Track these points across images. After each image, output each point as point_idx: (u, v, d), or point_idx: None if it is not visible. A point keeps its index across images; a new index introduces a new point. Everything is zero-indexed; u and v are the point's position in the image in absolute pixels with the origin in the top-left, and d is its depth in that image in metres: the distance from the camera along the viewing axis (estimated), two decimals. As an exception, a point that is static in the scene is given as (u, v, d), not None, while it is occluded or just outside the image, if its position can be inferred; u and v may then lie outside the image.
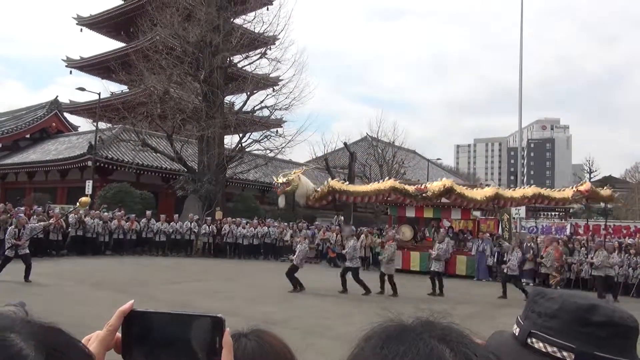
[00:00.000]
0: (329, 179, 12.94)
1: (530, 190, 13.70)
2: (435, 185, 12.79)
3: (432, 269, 13.37)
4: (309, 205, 12.44)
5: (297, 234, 21.94)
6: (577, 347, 0.82)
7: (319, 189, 12.25)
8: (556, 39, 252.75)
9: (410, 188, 12.91)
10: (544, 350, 0.84)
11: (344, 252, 13.27)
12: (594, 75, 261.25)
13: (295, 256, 12.51)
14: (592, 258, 14.62)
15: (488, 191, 13.44)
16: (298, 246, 12.80)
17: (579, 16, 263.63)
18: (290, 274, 12.15)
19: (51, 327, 0.57)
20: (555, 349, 0.83)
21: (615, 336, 0.82)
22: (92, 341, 0.68)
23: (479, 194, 13.37)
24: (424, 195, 12.58)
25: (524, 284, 16.50)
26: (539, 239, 15.25)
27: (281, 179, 11.80)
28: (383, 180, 14.79)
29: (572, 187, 14.36)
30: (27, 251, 11.79)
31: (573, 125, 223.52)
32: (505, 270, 13.10)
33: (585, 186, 13.82)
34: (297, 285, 12.16)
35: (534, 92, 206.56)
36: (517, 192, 13.61)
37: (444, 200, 17.10)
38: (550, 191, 14.32)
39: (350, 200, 13.05)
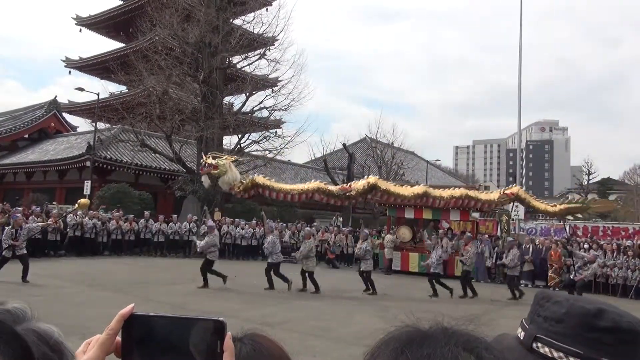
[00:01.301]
0: (255, 174, 12.80)
1: (458, 192, 13.92)
2: (360, 184, 12.68)
3: (360, 269, 13.32)
4: (233, 194, 12.37)
5: (295, 235, 22.00)
6: (584, 353, 0.80)
7: (244, 181, 12.13)
8: (557, 40, 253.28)
9: (334, 188, 12.80)
10: (549, 355, 0.82)
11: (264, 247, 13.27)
12: (595, 77, 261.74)
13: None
14: (505, 257, 14.74)
15: (416, 189, 13.49)
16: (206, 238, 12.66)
17: (580, 18, 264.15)
18: (205, 269, 12.18)
19: None
20: (561, 354, 0.81)
21: (622, 342, 0.80)
22: (92, 345, 0.68)
23: (406, 190, 13.34)
24: (347, 194, 12.45)
25: (522, 285, 16.60)
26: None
27: (210, 160, 11.52)
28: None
29: (501, 190, 14.60)
30: (25, 251, 11.76)
31: (573, 127, 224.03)
32: (429, 269, 13.23)
33: (512, 190, 14.16)
34: (221, 278, 12.25)
35: (534, 93, 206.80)
36: (446, 192, 13.69)
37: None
38: (478, 193, 14.50)
39: (273, 197, 12.96)
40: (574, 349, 0.81)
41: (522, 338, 0.88)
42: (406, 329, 0.64)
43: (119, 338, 0.67)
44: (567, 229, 21.92)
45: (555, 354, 0.82)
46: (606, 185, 52.52)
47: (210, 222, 14.29)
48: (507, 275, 13.61)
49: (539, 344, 0.84)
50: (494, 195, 14.05)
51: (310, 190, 12.51)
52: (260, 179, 12.27)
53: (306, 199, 13.55)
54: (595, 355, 0.79)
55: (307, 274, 12.64)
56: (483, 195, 14.03)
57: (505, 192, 14.02)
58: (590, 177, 53.18)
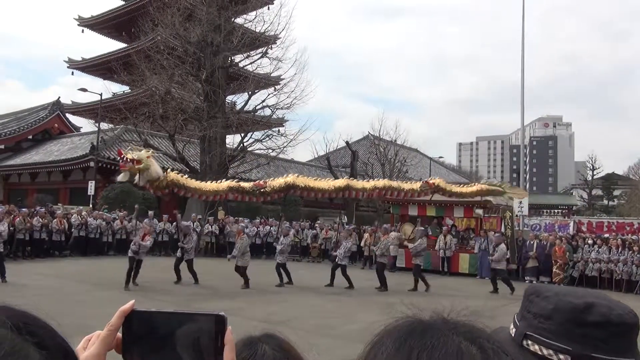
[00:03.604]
0: (169, 170, 12.14)
1: (381, 182, 14.11)
2: (276, 181, 12.57)
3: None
4: (147, 189, 11.74)
5: (299, 233, 22.01)
6: (573, 349, 0.79)
7: (162, 177, 11.61)
8: (562, 35, 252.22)
9: (248, 185, 12.57)
10: (539, 353, 0.82)
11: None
12: (600, 72, 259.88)
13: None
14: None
15: (338, 182, 13.45)
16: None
17: (586, 13, 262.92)
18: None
19: (22, 310, 0.57)
20: (551, 351, 0.80)
21: (613, 336, 0.78)
22: (92, 341, 0.68)
23: (327, 184, 13.23)
24: (262, 191, 12.33)
25: (527, 281, 16.55)
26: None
27: (130, 154, 10.72)
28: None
29: (423, 180, 14.80)
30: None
31: (578, 123, 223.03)
32: (336, 260, 13.48)
33: (434, 180, 14.47)
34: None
35: (538, 89, 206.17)
36: (369, 184, 13.81)
37: (445, 198, 17.02)
38: (400, 183, 14.68)
39: (188, 196, 12.71)
40: (563, 345, 0.79)
41: (513, 335, 0.87)
42: (407, 320, 0.64)
43: (119, 334, 0.67)
44: (572, 224, 21.89)
45: (545, 352, 0.81)
46: (611, 181, 52.31)
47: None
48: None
49: (529, 342, 0.83)
50: (415, 185, 14.28)
51: (223, 191, 12.34)
52: (175, 176, 11.81)
53: (221, 199, 13.40)
54: (585, 351, 0.78)
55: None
56: (406, 185, 14.28)
57: (428, 181, 14.34)
58: (595, 173, 53.00)
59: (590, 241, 17.45)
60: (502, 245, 13.96)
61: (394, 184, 14.26)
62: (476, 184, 15.78)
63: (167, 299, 10.26)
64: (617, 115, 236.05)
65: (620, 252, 15.91)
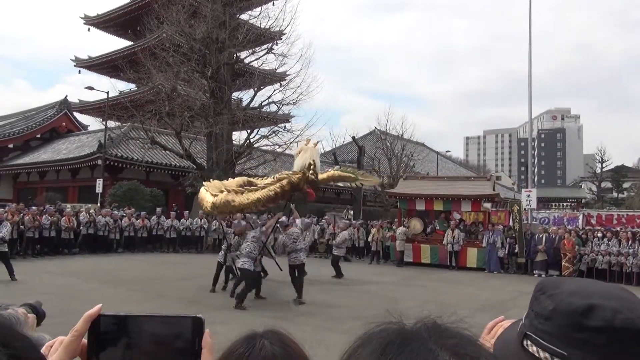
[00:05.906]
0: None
1: (240, 179, 14.28)
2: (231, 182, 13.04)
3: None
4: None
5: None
6: (568, 354, 0.73)
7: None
8: (574, 26, 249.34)
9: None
10: (537, 355, 0.77)
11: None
12: (612, 62, 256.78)
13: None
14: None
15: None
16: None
17: (598, 1, 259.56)
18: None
19: None
20: (547, 354, 0.76)
21: (616, 342, 0.71)
22: (55, 347, 0.65)
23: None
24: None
25: (536, 275, 16.47)
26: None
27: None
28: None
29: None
30: (4, 249, 11.64)
31: (587, 115, 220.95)
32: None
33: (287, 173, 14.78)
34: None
35: (549, 81, 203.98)
36: (232, 181, 14.12)
37: (452, 192, 16.95)
38: (256, 179, 14.97)
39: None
40: (560, 350, 0.75)
41: (517, 333, 0.84)
42: (388, 327, 0.58)
43: (85, 340, 0.64)
44: (581, 217, 21.71)
45: (542, 354, 0.77)
46: (620, 173, 51.82)
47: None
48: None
49: (529, 342, 0.80)
50: (269, 180, 14.55)
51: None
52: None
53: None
54: (582, 357, 0.73)
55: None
56: (259, 181, 14.52)
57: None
58: (604, 165, 52.51)
59: (599, 234, 17.30)
60: (344, 232, 15.20)
61: (253, 180, 14.91)
62: (327, 170, 15.75)
63: (176, 295, 10.30)
64: (627, 106, 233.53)
65: (630, 244, 15.76)
